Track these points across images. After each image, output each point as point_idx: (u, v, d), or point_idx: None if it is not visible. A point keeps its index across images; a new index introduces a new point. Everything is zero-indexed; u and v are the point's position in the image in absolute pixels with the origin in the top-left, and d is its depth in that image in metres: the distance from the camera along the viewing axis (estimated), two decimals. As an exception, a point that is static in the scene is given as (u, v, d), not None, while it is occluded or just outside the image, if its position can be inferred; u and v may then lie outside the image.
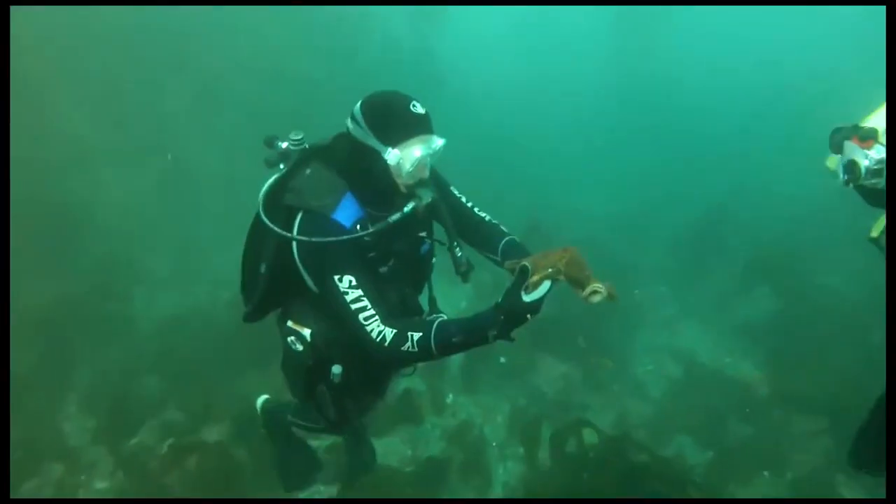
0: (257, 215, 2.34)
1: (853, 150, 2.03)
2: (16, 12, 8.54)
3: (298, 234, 2.18)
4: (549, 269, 1.95)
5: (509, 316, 1.98)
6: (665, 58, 15.48)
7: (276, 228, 2.21)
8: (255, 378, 5.22)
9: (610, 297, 1.94)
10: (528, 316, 1.97)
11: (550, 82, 15.84)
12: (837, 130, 2.10)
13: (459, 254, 2.43)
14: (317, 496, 4.40)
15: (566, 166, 12.08)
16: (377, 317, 2.10)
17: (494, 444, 5.38)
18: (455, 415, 5.71)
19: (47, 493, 4.48)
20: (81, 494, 4.50)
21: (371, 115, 2.19)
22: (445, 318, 2.24)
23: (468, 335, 2.04)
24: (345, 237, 2.14)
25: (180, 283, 7.85)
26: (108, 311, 6.80)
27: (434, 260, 2.65)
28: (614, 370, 6.26)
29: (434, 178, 2.45)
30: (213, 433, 4.97)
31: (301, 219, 2.21)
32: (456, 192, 2.62)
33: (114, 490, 4.51)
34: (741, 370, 6.34)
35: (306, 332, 2.46)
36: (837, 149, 2.11)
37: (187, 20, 10.30)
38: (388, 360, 2.24)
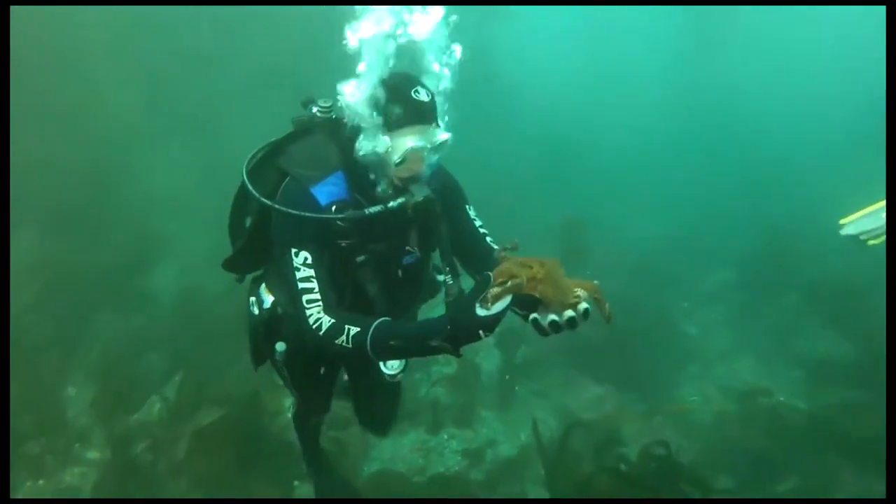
0: (251, 169, 2.25)
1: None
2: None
3: (279, 198, 2.08)
4: (510, 283, 1.65)
5: (457, 330, 1.72)
6: (732, 67, 14.80)
7: (250, 188, 2.11)
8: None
9: (605, 316, 1.67)
10: (482, 333, 1.69)
11: (606, 90, 15.37)
12: None
13: (450, 280, 2.18)
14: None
15: (618, 179, 11.58)
16: (320, 303, 1.94)
17: (513, 462, 5.02)
18: (477, 429, 5.40)
19: (43, 456, 4.39)
20: (72, 461, 4.41)
21: (369, 94, 1.98)
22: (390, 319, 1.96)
23: (408, 341, 1.82)
24: (307, 214, 1.99)
25: (212, 264, 7.71)
26: (133, 286, 6.82)
27: (442, 287, 2.35)
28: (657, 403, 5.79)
29: (446, 188, 2.25)
30: (210, 416, 4.78)
31: (285, 184, 2.11)
32: (471, 213, 2.34)
33: (104, 463, 4.39)
34: (795, 410, 5.75)
35: (269, 299, 2.39)
36: None
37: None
38: (320, 350, 2.00)
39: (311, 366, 2.58)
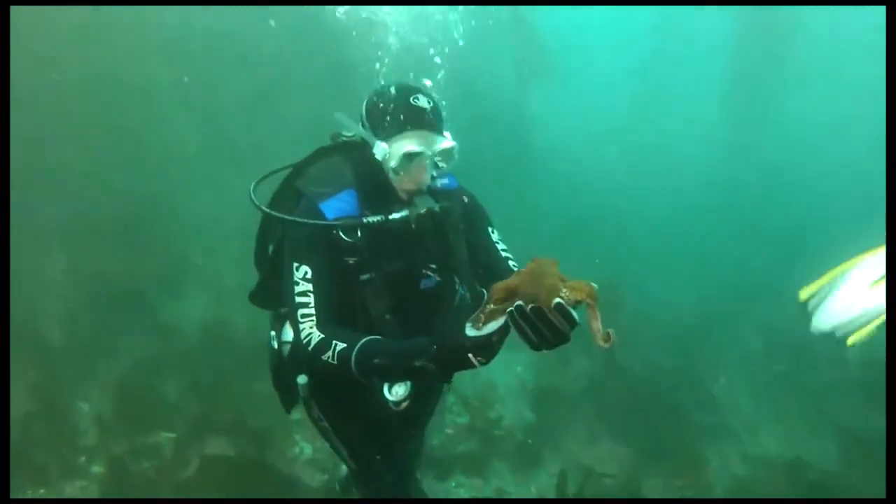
0: (275, 193, 2.25)
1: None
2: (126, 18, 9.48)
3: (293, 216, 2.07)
4: (506, 301, 1.48)
5: (443, 350, 1.60)
6: (773, 137, 14.67)
7: (253, 199, 2.12)
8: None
9: (594, 331, 1.47)
10: (472, 357, 1.55)
11: (641, 154, 15.34)
12: None
13: (468, 297, 2.11)
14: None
15: (650, 242, 11.43)
16: (314, 318, 1.89)
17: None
18: (488, 478, 5.21)
19: (47, 465, 4.37)
20: (75, 474, 4.39)
21: (369, 104, 2.02)
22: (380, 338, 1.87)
23: (393, 360, 1.72)
24: (299, 219, 1.99)
25: (242, 297, 7.82)
26: (161, 311, 6.94)
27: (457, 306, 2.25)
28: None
29: (468, 209, 2.21)
30: (220, 445, 4.80)
31: (300, 203, 2.09)
32: (494, 236, 2.24)
33: (107, 478, 4.35)
34: (822, 478, 5.39)
35: (290, 333, 2.23)
36: None
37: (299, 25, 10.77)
38: (308, 366, 1.99)
39: (346, 403, 2.37)
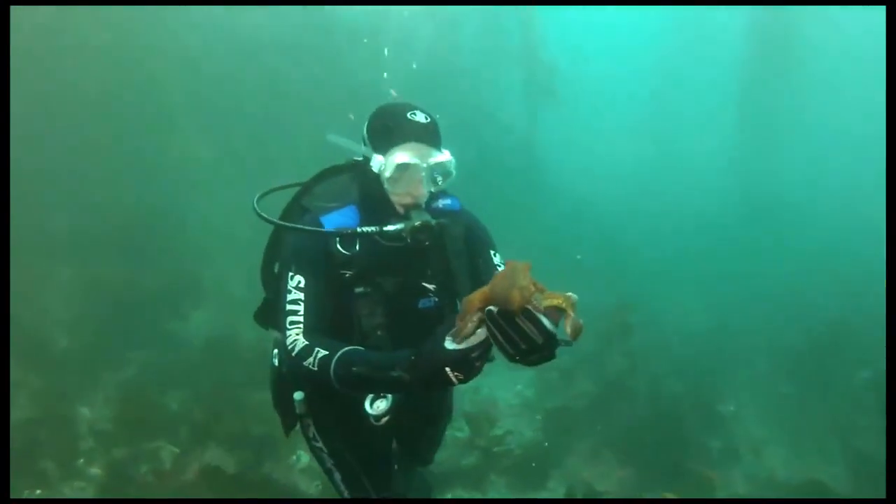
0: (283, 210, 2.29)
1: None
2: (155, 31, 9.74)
3: None
4: (480, 312, 1.44)
5: (420, 362, 1.58)
6: (786, 157, 14.64)
7: (256, 208, 2.15)
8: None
9: (568, 327, 1.40)
10: (449, 372, 1.51)
11: (654, 176, 15.38)
12: None
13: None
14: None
15: (663, 264, 11.38)
16: (301, 326, 1.90)
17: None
18: (486, 494, 5.20)
19: (46, 466, 4.43)
20: (74, 475, 4.45)
21: (370, 120, 2.07)
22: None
23: (372, 369, 1.70)
24: (289, 224, 2.07)
25: (247, 312, 7.90)
26: (168, 319, 7.07)
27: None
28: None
29: (469, 230, 2.23)
30: (218, 454, 4.85)
31: (304, 217, 2.14)
32: (495, 259, 2.23)
33: (104, 480, 4.41)
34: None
35: None
36: None
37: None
38: (291, 373, 1.97)
39: (341, 424, 2.33)
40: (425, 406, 2.59)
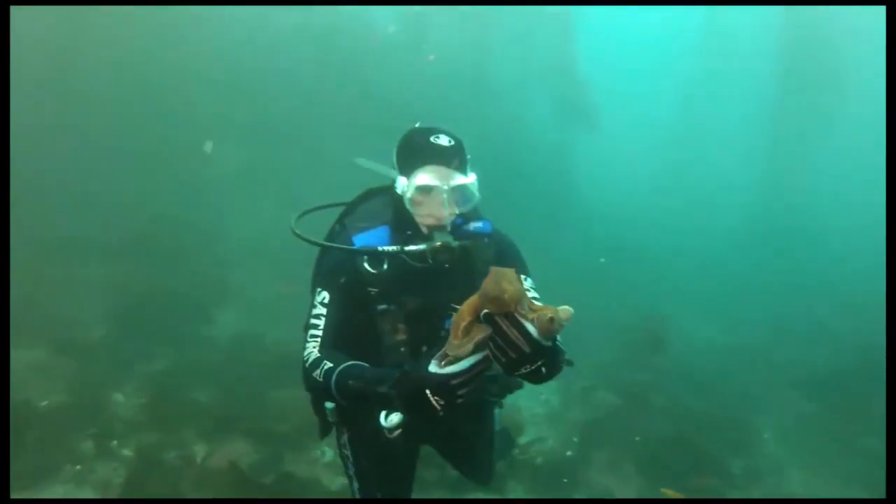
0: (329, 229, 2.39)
1: None
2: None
3: None
4: (473, 332, 1.43)
5: (405, 383, 1.64)
6: (818, 177, 14.44)
7: (293, 227, 2.21)
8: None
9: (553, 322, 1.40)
10: (430, 396, 1.53)
11: (681, 192, 15.28)
12: None
13: None
14: None
15: (689, 282, 11.30)
16: (319, 339, 2.01)
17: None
18: (504, 493, 5.22)
19: (82, 446, 4.61)
20: (108, 456, 4.61)
21: (398, 144, 2.13)
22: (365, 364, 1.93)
23: (365, 384, 1.79)
24: (330, 244, 2.14)
25: (274, 314, 8.08)
26: (198, 319, 7.34)
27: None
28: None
29: (501, 254, 2.22)
30: (243, 445, 4.99)
31: (341, 235, 2.23)
32: (526, 283, 2.20)
33: (135, 462, 4.56)
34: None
35: None
36: None
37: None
38: (304, 381, 2.03)
39: (368, 435, 2.27)
40: (454, 423, 2.41)
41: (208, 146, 10.06)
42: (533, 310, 1.42)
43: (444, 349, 1.50)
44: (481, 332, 1.44)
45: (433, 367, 1.53)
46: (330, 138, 11.16)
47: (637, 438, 6.00)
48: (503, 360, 1.45)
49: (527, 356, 1.41)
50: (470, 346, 1.46)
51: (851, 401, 7.12)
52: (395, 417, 1.87)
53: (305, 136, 11.24)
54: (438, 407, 1.55)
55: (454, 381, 1.52)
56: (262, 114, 11.09)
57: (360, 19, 12.01)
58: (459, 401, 1.56)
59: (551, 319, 1.38)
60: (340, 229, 2.25)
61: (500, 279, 1.41)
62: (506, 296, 1.39)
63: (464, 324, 1.46)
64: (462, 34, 12.53)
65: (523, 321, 1.40)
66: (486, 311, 1.43)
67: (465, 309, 1.47)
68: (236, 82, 10.96)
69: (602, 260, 6.84)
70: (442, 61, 11.98)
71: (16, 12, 3.35)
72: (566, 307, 1.43)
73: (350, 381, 1.80)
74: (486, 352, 1.45)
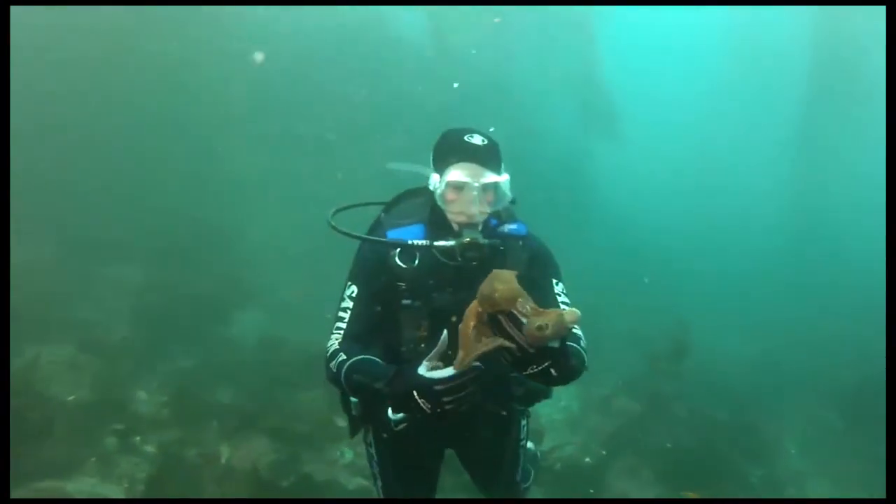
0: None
1: None
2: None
3: None
4: (474, 338, 1.44)
5: (397, 382, 1.70)
6: (848, 187, 14.16)
7: (329, 221, 2.24)
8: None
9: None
10: (417, 397, 1.56)
11: (710, 204, 15.11)
12: None
13: None
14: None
15: (717, 281, 11.14)
16: (343, 332, 2.04)
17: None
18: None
19: (110, 441, 4.73)
20: (130, 451, 4.73)
21: (434, 145, 2.17)
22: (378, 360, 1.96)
23: (366, 378, 1.85)
24: (361, 236, 2.15)
25: (297, 316, 8.19)
26: (222, 320, 7.48)
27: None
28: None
29: (534, 257, 2.22)
30: (263, 444, 5.02)
31: (378, 232, 2.25)
32: (556, 288, 2.22)
33: (156, 458, 4.65)
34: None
35: None
36: None
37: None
38: (325, 374, 2.05)
39: (396, 436, 2.20)
40: (473, 427, 2.46)
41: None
42: (537, 312, 1.42)
43: (433, 352, 1.54)
44: (489, 335, 1.45)
45: (421, 370, 1.59)
46: (355, 145, 11.29)
47: (668, 445, 5.95)
48: (509, 358, 1.48)
49: (531, 356, 1.44)
50: (476, 354, 1.47)
51: (878, 413, 6.96)
52: (401, 414, 1.92)
53: (330, 143, 11.38)
54: (427, 409, 1.58)
55: (438, 388, 1.57)
56: (286, 120, 11.26)
57: (388, 26, 12.12)
58: (448, 406, 1.60)
59: (539, 328, 1.37)
60: (377, 225, 2.27)
61: (493, 279, 1.44)
62: (496, 295, 1.40)
63: (471, 329, 1.47)
64: (484, 42, 12.57)
65: (522, 319, 1.42)
66: (483, 311, 1.47)
67: (468, 314, 1.49)
68: (264, 89, 11.15)
69: (646, 280, 6.76)
70: (465, 71, 12.03)
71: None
72: (572, 310, 1.44)
73: (355, 376, 1.86)
74: (476, 363, 1.47)
